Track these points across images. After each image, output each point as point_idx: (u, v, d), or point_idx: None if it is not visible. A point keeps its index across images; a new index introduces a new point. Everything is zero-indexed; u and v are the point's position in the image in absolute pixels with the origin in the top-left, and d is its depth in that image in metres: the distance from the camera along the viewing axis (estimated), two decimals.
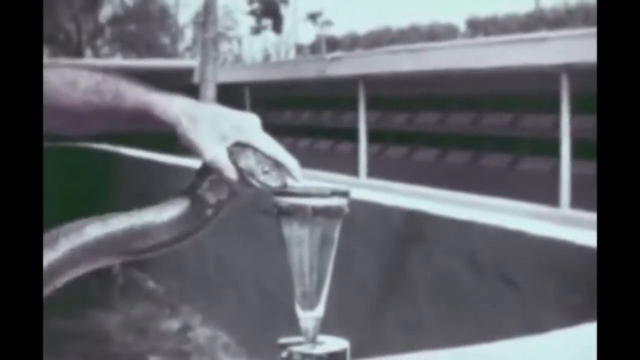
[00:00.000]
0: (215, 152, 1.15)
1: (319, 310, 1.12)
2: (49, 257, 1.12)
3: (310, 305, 1.11)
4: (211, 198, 1.19)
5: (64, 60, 20.40)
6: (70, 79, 1.23)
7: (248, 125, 1.18)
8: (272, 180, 1.13)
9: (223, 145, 1.16)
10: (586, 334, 2.29)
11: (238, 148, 1.16)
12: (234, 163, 1.15)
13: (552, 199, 6.89)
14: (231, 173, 1.15)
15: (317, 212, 1.09)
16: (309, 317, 1.11)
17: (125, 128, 1.25)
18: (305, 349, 1.11)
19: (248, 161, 1.15)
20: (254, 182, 1.13)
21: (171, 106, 1.18)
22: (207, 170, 1.18)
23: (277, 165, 1.15)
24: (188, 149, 1.18)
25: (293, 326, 1.14)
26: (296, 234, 1.10)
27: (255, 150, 1.16)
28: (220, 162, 1.15)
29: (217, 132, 1.16)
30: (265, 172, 1.13)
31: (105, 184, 13.60)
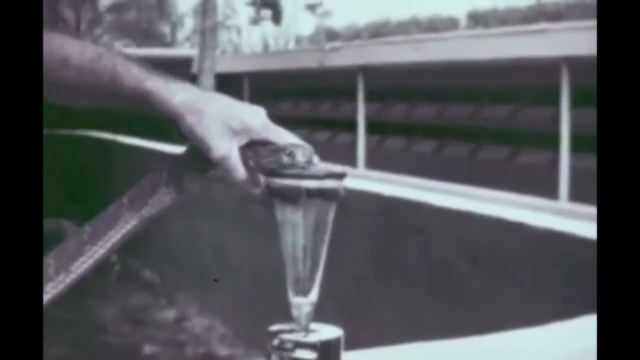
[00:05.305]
0: (226, 150, 1.10)
1: (312, 297, 1.08)
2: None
3: (303, 291, 1.08)
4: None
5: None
6: (62, 57, 1.16)
7: (258, 121, 1.13)
8: (300, 156, 1.09)
9: (234, 143, 1.10)
10: (586, 327, 2.26)
11: (252, 149, 1.11)
12: (246, 162, 1.11)
13: (551, 191, 6.87)
14: (240, 174, 1.11)
15: (311, 194, 1.05)
16: (301, 304, 1.08)
17: (122, 109, 1.19)
18: (298, 336, 1.07)
19: (268, 159, 1.10)
20: (265, 180, 1.10)
21: (173, 97, 1.11)
22: (193, 160, 1.15)
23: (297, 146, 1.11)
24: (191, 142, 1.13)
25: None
26: (289, 217, 1.07)
27: (270, 145, 1.12)
28: (231, 161, 1.10)
29: (226, 129, 1.10)
30: (289, 154, 1.09)
31: (104, 173, 13.58)
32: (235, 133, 1.10)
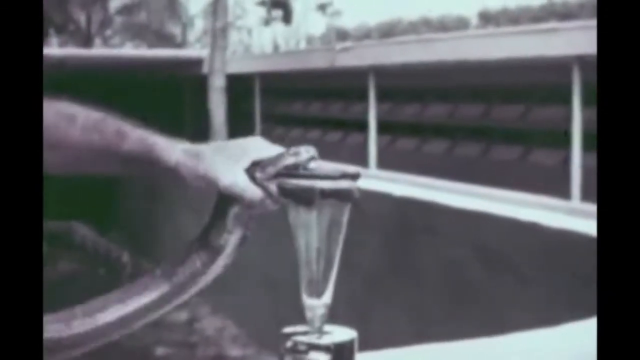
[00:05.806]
0: (233, 176, 1.10)
1: (326, 299, 1.07)
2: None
3: (317, 293, 1.07)
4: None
5: (74, 50, 20.42)
6: (68, 114, 1.19)
7: (257, 145, 1.14)
8: (304, 154, 1.10)
9: (239, 168, 1.11)
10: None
11: (257, 167, 1.11)
12: (253, 178, 1.11)
13: (563, 191, 6.84)
14: (254, 193, 1.11)
15: (326, 195, 1.04)
16: (315, 306, 1.07)
17: (124, 171, 1.21)
18: (311, 338, 1.06)
19: (275, 165, 1.10)
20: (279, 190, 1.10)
21: (174, 149, 1.15)
22: (213, 212, 1.14)
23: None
24: (199, 189, 1.15)
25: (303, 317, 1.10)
26: (303, 218, 1.06)
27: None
28: (240, 184, 1.10)
29: (227, 158, 1.12)
30: (293, 154, 1.09)
31: (111, 179, 13.57)
32: (237, 159, 1.12)
